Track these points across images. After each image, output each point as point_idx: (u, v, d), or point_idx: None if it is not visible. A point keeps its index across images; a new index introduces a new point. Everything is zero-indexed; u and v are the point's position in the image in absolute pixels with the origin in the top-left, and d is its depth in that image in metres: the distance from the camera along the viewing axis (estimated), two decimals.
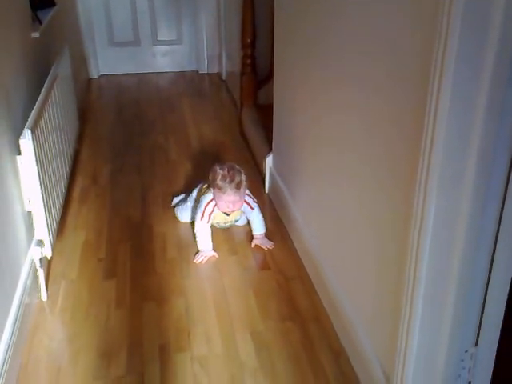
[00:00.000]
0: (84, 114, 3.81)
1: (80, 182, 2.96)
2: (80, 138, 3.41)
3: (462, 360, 1.43)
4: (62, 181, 2.57)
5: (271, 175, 2.75)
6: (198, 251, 2.34)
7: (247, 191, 2.38)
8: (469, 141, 1.16)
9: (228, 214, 2.40)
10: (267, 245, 2.40)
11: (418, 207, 1.26)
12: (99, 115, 3.98)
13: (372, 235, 1.60)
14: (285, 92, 2.47)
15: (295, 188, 2.41)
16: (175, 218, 2.61)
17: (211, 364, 1.80)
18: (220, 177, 2.27)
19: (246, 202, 2.38)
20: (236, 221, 2.50)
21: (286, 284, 2.14)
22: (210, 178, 2.33)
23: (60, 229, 2.43)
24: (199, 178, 2.66)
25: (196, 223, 2.37)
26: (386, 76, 1.42)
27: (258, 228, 2.43)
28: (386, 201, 1.49)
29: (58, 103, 2.59)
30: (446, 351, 1.39)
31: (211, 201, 2.34)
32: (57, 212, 2.33)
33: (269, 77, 3.16)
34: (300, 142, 2.29)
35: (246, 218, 2.48)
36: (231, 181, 2.26)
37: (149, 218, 2.64)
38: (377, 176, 1.53)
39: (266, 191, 2.83)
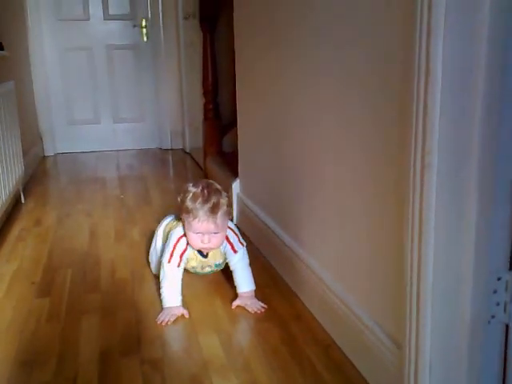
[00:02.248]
0: (33, 182, 3.50)
1: (20, 225, 2.59)
2: (26, 194, 3.09)
3: (495, 291, 1.08)
4: None
5: (239, 202, 2.45)
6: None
7: (232, 225, 1.78)
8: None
9: (205, 256, 1.76)
10: (255, 307, 1.66)
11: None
12: (50, 181, 3.68)
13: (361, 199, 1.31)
14: (248, 108, 2.26)
15: (271, 203, 2.11)
16: (129, 247, 2.24)
17: (166, 365, 1.39)
18: (190, 196, 1.65)
19: (227, 239, 1.73)
20: (218, 266, 1.82)
21: (260, 291, 1.75)
22: (179, 198, 1.71)
23: None
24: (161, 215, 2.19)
25: (162, 268, 1.70)
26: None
27: (244, 282, 1.72)
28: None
29: None
30: (471, 283, 1.04)
31: (183, 236, 1.71)
32: None
33: (233, 123, 2.98)
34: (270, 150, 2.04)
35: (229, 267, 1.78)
36: (205, 201, 1.62)
37: (96, 248, 2.26)
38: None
39: (234, 222, 2.50)
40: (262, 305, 1.67)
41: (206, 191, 1.65)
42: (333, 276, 1.50)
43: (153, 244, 1.94)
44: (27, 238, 2.41)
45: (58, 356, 1.43)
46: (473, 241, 1.02)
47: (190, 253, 1.73)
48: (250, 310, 1.65)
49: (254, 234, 2.21)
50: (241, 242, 1.77)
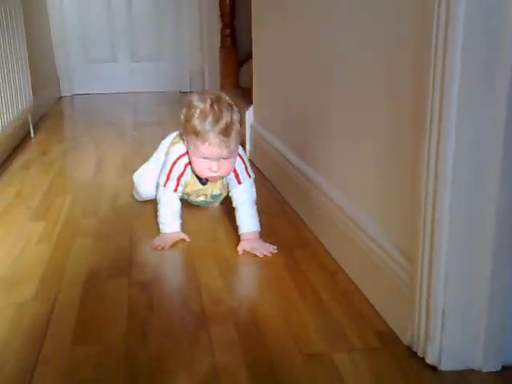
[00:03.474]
0: (46, 119, 3.39)
1: (26, 155, 2.48)
2: (37, 129, 2.98)
3: None
4: None
5: (252, 132, 2.29)
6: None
7: (240, 151, 1.52)
8: None
9: (204, 183, 1.58)
10: (264, 250, 1.41)
11: None
12: (64, 119, 3.58)
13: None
14: (264, 33, 2.09)
15: (286, 130, 1.95)
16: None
17: (156, 288, 1.27)
18: (198, 113, 1.39)
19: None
20: (215, 197, 1.66)
21: (267, 220, 1.61)
22: (182, 115, 1.46)
23: None
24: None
25: (158, 192, 1.55)
26: None
27: (248, 221, 1.47)
28: None
29: None
30: (498, 177, 0.88)
31: (183, 155, 1.51)
32: None
33: (250, 55, 2.80)
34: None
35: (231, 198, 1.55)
36: (216, 121, 1.37)
37: (100, 178, 2.14)
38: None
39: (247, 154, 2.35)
40: (272, 247, 1.42)
41: (216, 107, 1.38)
42: (345, 196, 1.36)
43: (145, 163, 1.76)
44: (31, 166, 2.31)
45: (42, 277, 1.32)
46: (501, 136, 0.86)
47: (189, 176, 1.53)
48: (258, 253, 1.39)
49: (267, 166, 2.06)
50: (248, 173, 1.52)
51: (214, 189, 1.60)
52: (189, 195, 1.63)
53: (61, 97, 4.23)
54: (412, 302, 0.99)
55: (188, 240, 1.49)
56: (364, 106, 1.23)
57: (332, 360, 0.98)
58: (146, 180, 1.71)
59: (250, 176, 1.52)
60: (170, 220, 1.51)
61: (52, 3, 4.07)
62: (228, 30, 2.91)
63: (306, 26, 1.61)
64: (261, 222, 1.49)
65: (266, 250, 1.41)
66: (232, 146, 1.40)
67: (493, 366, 0.94)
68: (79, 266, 1.37)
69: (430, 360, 0.95)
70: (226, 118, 1.37)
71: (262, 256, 1.39)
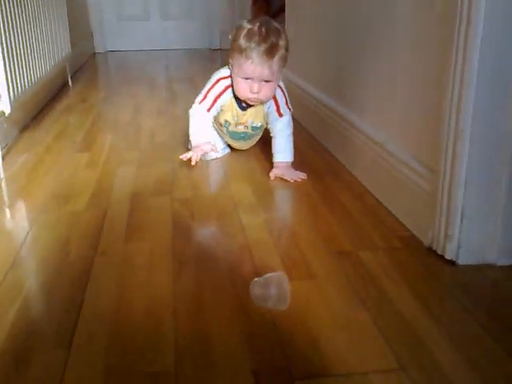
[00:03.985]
0: (82, 72, 3.51)
1: (66, 102, 2.61)
2: (74, 81, 3.11)
3: None
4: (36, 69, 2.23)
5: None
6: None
7: (281, 83, 1.58)
8: None
9: (244, 108, 1.58)
10: (294, 176, 1.50)
11: None
12: (99, 72, 3.69)
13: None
14: None
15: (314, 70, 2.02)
16: (170, 120, 2.22)
17: (196, 204, 1.38)
18: (245, 32, 1.43)
19: (274, 98, 1.54)
20: (255, 129, 1.63)
21: (297, 152, 1.70)
22: (230, 37, 1.51)
23: (31, 126, 2.10)
24: None
25: (192, 107, 1.59)
26: None
27: (284, 151, 1.55)
28: None
29: None
30: None
31: (226, 78, 1.54)
32: (25, 84, 1.98)
33: (283, 7, 2.86)
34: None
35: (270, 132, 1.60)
36: (262, 41, 1.40)
37: (138, 120, 2.25)
38: None
39: None
40: (302, 174, 1.51)
41: (263, 29, 1.41)
42: (371, 123, 1.45)
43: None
44: (72, 110, 2.43)
45: (92, 193, 1.44)
46: None
47: (227, 100, 1.55)
48: (288, 179, 1.49)
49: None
50: (288, 106, 1.58)
51: (256, 119, 1.60)
52: (228, 124, 1.62)
53: (95, 53, 4.34)
54: (433, 207, 1.08)
55: (216, 152, 1.57)
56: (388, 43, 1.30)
57: (358, 256, 1.08)
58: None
59: (290, 109, 1.59)
60: (199, 133, 1.58)
61: None
62: None
63: None
64: None
65: (297, 175, 1.50)
66: (274, 67, 1.43)
67: (506, 260, 1.03)
68: (125, 186, 1.49)
69: (448, 256, 1.05)
70: (271, 39, 1.41)
71: (292, 181, 1.49)
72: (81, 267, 1.06)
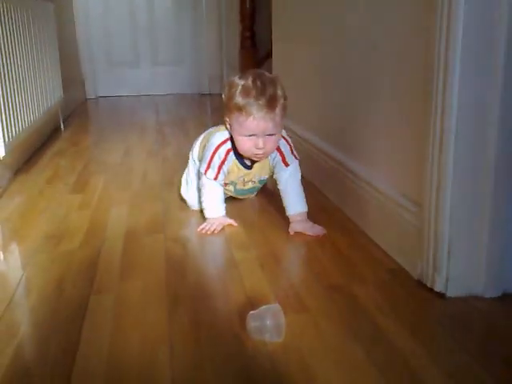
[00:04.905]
0: (73, 118, 3.57)
1: (58, 146, 2.64)
2: (65, 126, 3.15)
3: None
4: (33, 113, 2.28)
5: None
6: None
7: (283, 132, 1.46)
8: None
9: (249, 167, 1.51)
10: (316, 231, 1.40)
11: None
12: (90, 117, 3.75)
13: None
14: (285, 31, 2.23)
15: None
16: (161, 162, 2.26)
17: (189, 242, 1.41)
18: (239, 89, 1.35)
19: (278, 149, 1.45)
20: (262, 182, 1.59)
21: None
22: (223, 96, 1.43)
23: (25, 169, 2.12)
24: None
25: (200, 178, 1.51)
26: None
27: (297, 202, 1.46)
28: None
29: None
30: (497, 124, 1.00)
31: (225, 142, 1.46)
32: (18, 128, 2.02)
33: (270, 54, 2.95)
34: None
35: (277, 184, 1.51)
36: (260, 94, 1.33)
37: (129, 162, 2.29)
38: None
39: None
40: (321, 228, 1.41)
41: (258, 82, 1.34)
42: (358, 162, 1.49)
43: (185, 171, 1.66)
44: (64, 154, 2.46)
45: (85, 233, 1.46)
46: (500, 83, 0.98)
47: (231, 163, 1.47)
48: (311, 233, 1.39)
49: None
50: (294, 154, 1.48)
51: (262, 173, 1.53)
52: (235, 184, 1.56)
53: (86, 99, 4.42)
54: (421, 242, 1.11)
55: (235, 225, 1.47)
56: (375, 92, 1.36)
57: (350, 290, 1.11)
58: (194, 193, 1.61)
59: (296, 157, 1.49)
60: (214, 205, 1.49)
61: (78, 11, 4.26)
62: (248, 33, 3.08)
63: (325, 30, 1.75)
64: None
65: (318, 231, 1.41)
66: (277, 119, 1.36)
67: (494, 292, 1.06)
68: (118, 225, 1.51)
69: (437, 288, 1.07)
70: (269, 91, 1.33)
71: (315, 236, 1.39)
72: (76, 306, 1.07)
